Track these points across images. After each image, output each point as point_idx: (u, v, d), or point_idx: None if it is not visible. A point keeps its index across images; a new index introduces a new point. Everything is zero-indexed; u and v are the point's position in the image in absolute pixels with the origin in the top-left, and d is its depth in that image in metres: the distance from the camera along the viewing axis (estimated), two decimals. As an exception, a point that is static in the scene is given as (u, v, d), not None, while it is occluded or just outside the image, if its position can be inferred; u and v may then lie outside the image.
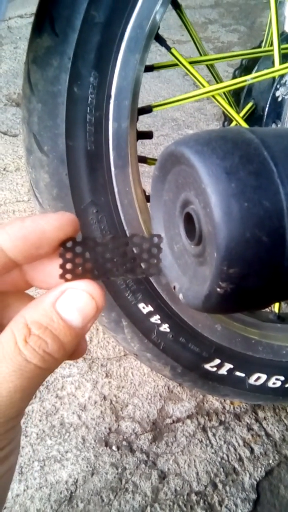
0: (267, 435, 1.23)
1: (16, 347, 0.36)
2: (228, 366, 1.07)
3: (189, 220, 0.64)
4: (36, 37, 0.84)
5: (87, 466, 1.15)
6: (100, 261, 0.41)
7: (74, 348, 0.39)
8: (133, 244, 0.43)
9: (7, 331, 0.37)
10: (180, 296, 0.68)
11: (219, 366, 1.07)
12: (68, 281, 0.40)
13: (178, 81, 2.44)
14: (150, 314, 0.99)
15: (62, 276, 0.40)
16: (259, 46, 1.14)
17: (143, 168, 0.96)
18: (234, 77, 1.13)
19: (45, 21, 0.82)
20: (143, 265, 0.44)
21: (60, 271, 0.40)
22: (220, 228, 0.56)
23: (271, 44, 1.00)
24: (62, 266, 0.40)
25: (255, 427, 1.24)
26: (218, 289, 0.59)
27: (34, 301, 0.39)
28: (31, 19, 0.91)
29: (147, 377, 1.32)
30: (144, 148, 1.98)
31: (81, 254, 0.40)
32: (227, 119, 1.18)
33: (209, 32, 2.91)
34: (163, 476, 1.14)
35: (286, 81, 0.97)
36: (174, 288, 0.70)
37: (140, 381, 1.31)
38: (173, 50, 0.93)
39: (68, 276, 0.40)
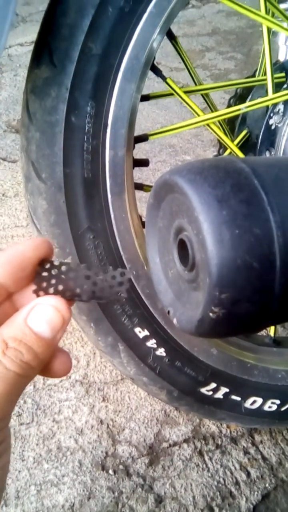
0: (264, 458, 1.23)
1: None
2: (224, 390, 1.08)
3: (182, 247, 0.66)
4: (35, 68, 0.87)
5: (83, 490, 1.16)
6: (71, 285, 0.47)
7: (49, 357, 0.44)
8: (103, 276, 0.49)
9: None
10: (174, 320, 0.70)
11: (215, 390, 1.08)
12: (39, 296, 0.46)
13: (175, 108, 2.48)
14: (146, 338, 1.00)
15: (35, 291, 0.46)
16: (254, 75, 1.17)
17: (140, 194, 0.98)
18: (229, 105, 1.16)
19: (44, 53, 0.85)
20: (109, 294, 0.49)
21: (35, 287, 0.46)
22: (212, 254, 0.57)
23: (265, 73, 1.03)
24: (37, 283, 0.45)
25: (252, 450, 1.24)
26: (211, 314, 0.60)
27: (9, 319, 0.44)
28: (31, 47, 0.94)
29: (144, 401, 1.33)
30: (142, 174, 2.01)
31: (55, 276, 0.46)
32: (222, 146, 1.20)
33: (206, 59, 2.96)
34: (159, 500, 1.14)
35: (279, 109, 1.00)
36: (169, 312, 0.71)
37: (137, 405, 1.32)
38: (168, 80, 0.95)
39: (41, 293, 0.46)
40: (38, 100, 0.87)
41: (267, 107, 1.05)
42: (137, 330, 0.99)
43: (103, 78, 0.86)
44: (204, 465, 1.21)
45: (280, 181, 0.62)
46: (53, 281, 0.46)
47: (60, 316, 0.44)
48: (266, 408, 1.12)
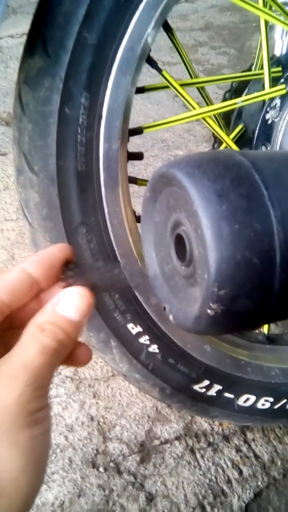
0: (256, 456, 1.22)
1: (36, 338, 0.48)
2: (217, 387, 1.07)
3: (180, 242, 0.65)
4: (28, 57, 0.85)
5: (73, 488, 1.14)
6: (92, 279, 0.56)
7: (77, 337, 0.51)
8: (118, 270, 0.59)
9: (25, 333, 0.49)
10: (171, 317, 0.68)
11: (208, 387, 1.07)
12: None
13: (168, 102, 2.46)
14: (139, 334, 0.98)
15: (65, 286, 0.54)
16: (250, 69, 1.15)
17: (133, 188, 0.96)
18: (225, 99, 1.14)
19: (38, 42, 0.83)
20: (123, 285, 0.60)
21: (62, 282, 0.55)
22: (211, 250, 0.56)
23: (261, 68, 1.02)
24: (64, 280, 0.54)
25: (244, 448, 1.23)
26: (209, 311, 0.59)
27: (40, 310, 0.51)
28: (22, 39, 0.92)
29: (135, 398, 1.31)
30: (134, 168, 1.99)
31: (78, 273, 0.55)
32: (217, 141, 1.19)
33: (199, 54, 2.94)
34: (150, 498, 1.13)
35: (276, 104, 0.98)
36: (165, 309, 0.70)
37: (128, 402, 1.31)
38: (164, 73, 0.94)
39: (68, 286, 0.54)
40: (31, 90, 0.85)
41: (264, 101, 1.03)
42: (130, 326, 0.97)
43: (98, 69, 0.84)
44: (196, 463, 1.20)
45: (280, 176, 0.61)
46: (77, 277, 0.54)
47: (85, 301, 0.52)
48: (259, 406, 1.11)
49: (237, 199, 0.57)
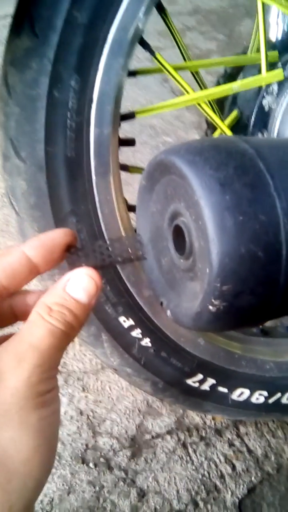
0: (249, 451, 1.20)
1: (44, 319, 0.47)
2: (211, 381, 1.04)
3: (178, 233, 0.61)
4: (14, 38, 0.80)
5: (63, 484, 1.11)
6: (97, 258, 0.55)
7: (85, 320, 0.51)
8: (119, 243, 0.57)
9: (33, 313, 0.48)
10: (168, 312, 0.65)
11: (201, 382, 1.04)
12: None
13: (156, 87, 2.41)
14: (131, 328, 0.95)
15: (71, 268, 0.52)
16: (243, 53, 1.11)
17: (123, 176, 0.92)
18: (218, 84, 1.11)
19: (25, 22, 0.78)
20: (127, 255, 0.57)
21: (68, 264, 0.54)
22: (213, 242, 0.53)
23: (257, 52, 0.98)
24: (70, 264, 0.53)
25: (237, 443, 1.21)
26: (210, 307, 0.56)
27: (48, 290, 0.50)
28: (5, 21, 0.86)
29: (125, 391, 1.28)
30: (121, 155, 1.94)
31: (82, 255, 0.54)
32: (210, 127, 1.15)
33: (187, 39, 2.88)
34: (142, 494, 1.10)
35: (273, 89, 0.95)
36: (162, 304, 0.66)
37: (118, 396, 1.27)
38: (157, 56, 0.90)
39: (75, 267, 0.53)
40: (18, 72, 0.80)
41: (260, 87, 1.00)
42: (122, 319, 0.94)
43: (89, 50, 0.80)
44: (188, 458, 1.17)
45: (285, 164, 0.58)
46: (82, 260, 0.54)
47: (94, 283, 0.51)
48: (253, 400, 1.09)
49: (241, 188, 0.54)
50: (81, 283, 0.50)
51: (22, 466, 0.43)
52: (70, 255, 0.54)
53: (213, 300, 0.55)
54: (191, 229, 0.58)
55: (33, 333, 0.47)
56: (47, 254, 0.52)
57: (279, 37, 1.16)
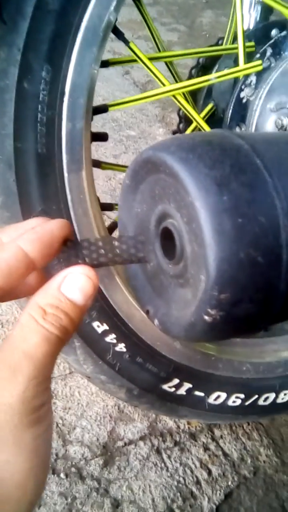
0: (225, 454, 1.16)
1: (38, 323, 0.43)
2: (187, 385, 1.00)
3: (166, 236, 0.57)
4: (-21, 24, 0.74)
5: (32, 497, 1.05)
6: (94, 256, 0.51)
7: (80, 323, 0.48)
8: (119, 243, 0.53)
9: (25, 315, 0.44)
10: (156, 321, 0.60)
11: (177, 386, 1.00)
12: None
13: (117, 79, 2.35)
14: (105, 333, 0.90)
15: (66, 266, 0.49)
16: (217, 44, 1.07)
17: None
18: (191, 76, 1.06)
19: (-9, 7, 0.72)
20: (128, 256, 0.53)
21: (62, 260, 0.50)
22: (210, 247, 0.48)
23: (233, 42, 0.94)
24: (66, 259, 0.49)
25: (212, 446, 1.17)
26: (206, 317, 0.51)
27: (41, 288, 0.47)
28: None
29: (96, 396, 1.23)
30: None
31: (79, 250, 0.50)
32: (184, 120, 1.10)
33: (146, 30, 2.82)
34: (116, 504, 1.06)
35: (251, 81, 0.91)
36: (148, 312, 0.62)
37: (88, 401, 1.22)
38: (131, 45, 0.85)
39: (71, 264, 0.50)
40: (-16, 62, 0.74)
41: (236, 79, 0.96)
42: (96, 324, 0.89)
43: (61, 39, 0.74)
44: (163, 464, 1.13)
45: (282, 161, 0.54)
46: (79, 256, 0.50)
47: (91, 283, 0.47)
48: (230, 403, 1.05)
49: (239, 188, 0.50)
50: (77, 283, 0.47)
51: (16, 490, 0.41)
52: (67, 249, 0.50)
53: (209, 310, 0.50)
54: (182, 232, 0.54)
55: (26, 340, 0.43)
56: (45, 248, 0.48)
57: (251, 27, 1.12)
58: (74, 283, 0.47)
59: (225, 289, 0.49)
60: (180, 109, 1.12)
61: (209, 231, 0.48)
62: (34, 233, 0.48)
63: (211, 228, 0.48)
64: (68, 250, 0.50)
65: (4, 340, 0.44)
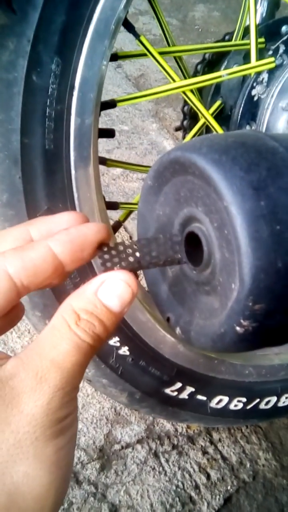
0: (223, 458, 1.14)
1: (71, 329, 0.42)
2: (189, 389, 0.98)
3: (191, 241, 0.54)
4: (-13, 13, 0.70)
5: (27, 502, 1.02)
6: (131, 260, 0.49)
7: (113, 331, 0.48)
8: (156, 243, 0.51)
9: (58, 317, 0.43)
10: (178, 330, 0.57)
11: (180, 390, 0.97)
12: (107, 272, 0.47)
13: (109, 73, 2.31)
14: (109, 336, 0.87)
15: (105, 270, 0.47)
16: (224, 40, 1.04)
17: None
18: (197, 71, 1.03)
19: (-1, -5, 0.69)
20: (165, 257, 0.51)
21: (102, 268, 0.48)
22: (246, 255, 0.46)
23: (243, 38, 0.91)
24: (103, 264, 0.47)
25: (210, 450, 1.15)
26: (237, 328, 0.49)
27: (76, 291, 0.45)
28: None
29: (91, 398, 1.20)
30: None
31: (116, 255, 0.48)
32: (188, 117, 1.08)
33: (140, 23, 2.78)
34: (114, 510, 1.03)
35: (263, 79, 0.88)
36: (168, 320, 0.59)
37: (84, 403, 1.19)
38: (142, 38, 0.82)
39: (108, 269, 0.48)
40: (-8, 53, 0.71)
41: (244, 76, 0.93)
42: (99, 327, 0.86)
43: (72, 30, 0.71)
44: (161, 468, 1.11)
45: None
46: (116, 260, 0.48)
47: (130, 290, 0.45)
48: (231, 407, 1.03)
49: (277, 193, 0.47)
50: (115, 289, 0.45)
51: (35, 503, 0.39)
52: (102, 254, 0.48)
53: (241, 321, 0.48)
54: (211, 238, 0.51)
55: (56, 347, 0.41)
56: (76, 251, 0.46)
57: (257, 23, 1.10)
58: (112, 289, 0.45)
59: (260, 299, 0.47)
60: (184, 105, 1.09)
61: (245, 238, 0.45)
62: (67, 235, 0.45)
63: (247, 235, 0.45)
64: (104, 254, 0.48)
65: (33, 343, 0.42)
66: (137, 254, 0.49)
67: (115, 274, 0.46)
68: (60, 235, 0.46)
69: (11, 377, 0.40)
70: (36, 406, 0.39)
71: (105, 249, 0.48)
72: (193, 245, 0.54)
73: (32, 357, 0.41)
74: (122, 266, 0.48)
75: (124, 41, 2.35)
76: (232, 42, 0.94)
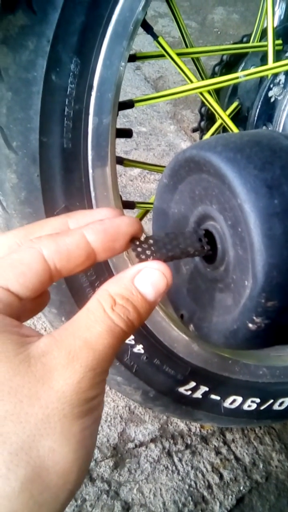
0: (237, 459, 1.15)
1: (106, 313, 0.43)
2: (203, 389, 0.98)
3: (206, 239, 0.54)
4: (8, 13, 0.71)
5: (41, 498, 1.03)
6: (163, 252, 0.51)
7: (146, 319, 0.47)
8: (183, 236, 0.53)
9: (94, 301, 0.44)
10: (191, 327, 0.58)
11: (194, 389, 0.98)
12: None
13: (128, 75, 2.33)
14: (124, 333, 0.88)
15: (140, 261, 0.49)
16: (241, 42, 1.05)
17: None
18: (214, 73, 1.04)
19: (20, -5, 0.70)
20: (194, 248, 0.53)
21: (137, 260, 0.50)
22: (259, 253, 0.46)
23: (260, 40, 0.92)
24: (137, 255, 0.49)
25: (224, 450, 1.16)
26: (250, 325, 0.49)
27: (113, 277, 0.46)
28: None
29: (106, 396, 1.21)
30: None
31: (148, 248, 0.50)
32: (205, 118, 1.08)
33: (159, 26, 2.80)
34: (127, 508, 1.04)
35: (280, 80, 0.89)
36: (182, 316, 0.60)
37: (99, 401, 1.20)
38: (160, 39, 0.83)
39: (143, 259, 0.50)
40: (12, 52, 0.72)
41: (261, 77, 0.94)
42: (115, 324, 0.87)
43: (92, 31, 0.72)
44: (174, 467, 1.11)
45: None
46: (148, 252, 0.50)
47: (165, 280, 0.46)
48: (245, 407, 1.04)
49: (290, 191, 0.47)
50: (151, 278, 0.46)
51: (58, 478, 0.40)
52: (136, 246, 0.50)
53: (254, 318, 0.48)
54: (225, 236, 0.52)
55: (90, 328, 0.42)
56: (109, 241, 0.48)
57: (275, 25, 1.10)
58: (149, 277, 0.46)
59: (273, 296, 0.47)
60: (201, 106, 1.10)
61: (259, 235, 0.46)
62: (101, 224, 0.47)
63: (261, 232, 0.46)
64: (137, 247, 0.49)
65: (67, 323, 0.43)
66: (168, 246, 0.51)
67: (152, 264, 0.47)
68: (95, 224, 0.47)
69: (44, 354, 0.41)
70: (66, 383, 0.40)
71: (137, 242, 0.50)
72: (208, 243, 0.54)
73: (65, 336, 0.42)
74: (156, 257, 0.50)
75: (144, 43, 2.37)
76: (250, 44, 0.94)
